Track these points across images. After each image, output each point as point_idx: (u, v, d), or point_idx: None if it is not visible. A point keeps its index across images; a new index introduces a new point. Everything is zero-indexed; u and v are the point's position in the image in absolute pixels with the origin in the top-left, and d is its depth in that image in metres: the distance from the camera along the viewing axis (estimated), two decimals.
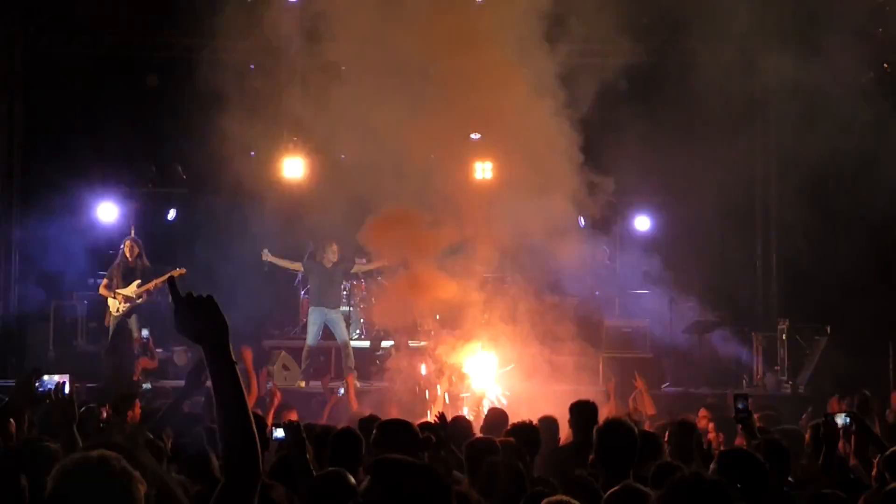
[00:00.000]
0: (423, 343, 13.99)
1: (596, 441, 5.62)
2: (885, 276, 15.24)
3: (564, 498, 4.30)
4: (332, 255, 14.17)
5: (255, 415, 6.15)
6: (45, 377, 4.93)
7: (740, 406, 6.66)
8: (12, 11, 16.93)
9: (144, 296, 14.28)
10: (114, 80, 16.71)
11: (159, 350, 14.53)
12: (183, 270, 14.20)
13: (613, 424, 5.81)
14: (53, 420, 5.61)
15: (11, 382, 12.93)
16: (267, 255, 14.40)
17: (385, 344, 15.70)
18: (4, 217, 16.86)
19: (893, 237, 15.16)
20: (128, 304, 14.01)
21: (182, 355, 14.68)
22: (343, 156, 17.71)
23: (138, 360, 13.46)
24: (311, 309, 14.30)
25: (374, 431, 6.00)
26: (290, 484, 5.14)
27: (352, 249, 15.48)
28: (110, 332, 14.26)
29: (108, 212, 16.89)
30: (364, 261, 15.51)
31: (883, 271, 15.31)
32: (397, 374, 13.43)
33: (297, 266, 14.47)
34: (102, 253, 15.66)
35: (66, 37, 17.19)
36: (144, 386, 12.85)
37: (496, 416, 7.95)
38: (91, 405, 7.11)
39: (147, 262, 14.45)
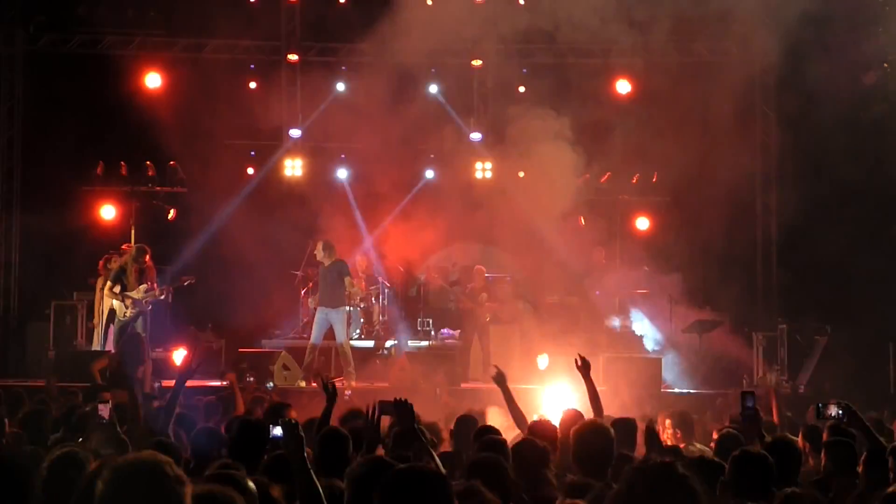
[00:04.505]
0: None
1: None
2: (886, 277, 15.22)
3: None
4: (318, 254, 14.09)
5: (255, 420, 6.19)
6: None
7: (748, 404, 6.40)
8: (12, 10, 16.92)
9: (151, 299, 14.10)
10: (114, 80, 16.68)
11: (159, 349, 14.49)
12: (192, 279, 14.20)
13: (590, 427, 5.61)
14: None
15: (11, 382, 12.95)
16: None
17: (387, 344, 15.67)
18: (5, 216, 16.85)
19: (894, 238, 15.14)
20: (136, 309, 13.88)
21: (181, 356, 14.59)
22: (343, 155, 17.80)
23: (147, 364, 13.35)
24: (318, 308, 14.31)
25: None
26: (289, 483, 5.11)
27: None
28: (115, 336, 14.03)
29: (108, 212, 16.88)
30: (363, 288, 15.60)
31: (883, 272, 15.29)
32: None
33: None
34: (102, 253, 15.62)
35: (66, 36, 17.19)
36: (155, 384, 12.78)
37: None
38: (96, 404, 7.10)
39: (152, 266, 14.30)
